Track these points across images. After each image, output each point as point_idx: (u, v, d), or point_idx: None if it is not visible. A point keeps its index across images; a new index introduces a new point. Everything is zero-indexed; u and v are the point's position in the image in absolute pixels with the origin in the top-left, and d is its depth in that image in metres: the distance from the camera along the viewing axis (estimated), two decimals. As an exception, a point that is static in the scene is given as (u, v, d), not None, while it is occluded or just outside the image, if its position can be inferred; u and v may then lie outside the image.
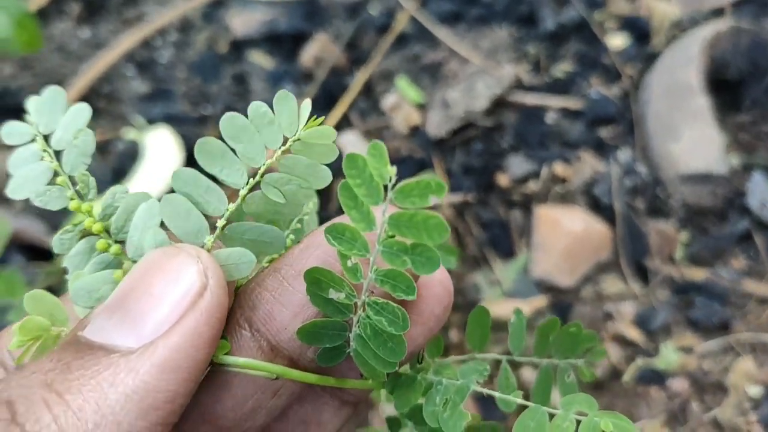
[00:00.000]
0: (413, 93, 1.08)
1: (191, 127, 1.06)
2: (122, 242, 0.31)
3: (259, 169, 0.30)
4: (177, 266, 0.29)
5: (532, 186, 1.02)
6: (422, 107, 1.08)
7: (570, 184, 1.02)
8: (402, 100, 1.08)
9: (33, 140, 0.32)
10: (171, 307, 0.28)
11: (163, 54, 1.16)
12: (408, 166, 1.02)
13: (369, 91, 1.12)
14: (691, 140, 0.97)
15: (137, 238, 0.30)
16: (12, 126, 0.32)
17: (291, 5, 1.19)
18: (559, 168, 1.04)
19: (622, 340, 0.94)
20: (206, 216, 0.30)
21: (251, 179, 0.30)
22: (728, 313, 0.96)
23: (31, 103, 0.33)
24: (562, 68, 1.14)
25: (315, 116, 0.30)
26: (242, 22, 1.17)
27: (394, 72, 1.13)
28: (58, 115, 0.32)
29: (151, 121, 1.07)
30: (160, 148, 1.02)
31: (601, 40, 1.17)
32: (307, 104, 0.30)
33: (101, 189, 0.95)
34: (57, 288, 0.92)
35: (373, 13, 1.20)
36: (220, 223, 0.30)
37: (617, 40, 1.17)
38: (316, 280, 0.30)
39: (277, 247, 0.32)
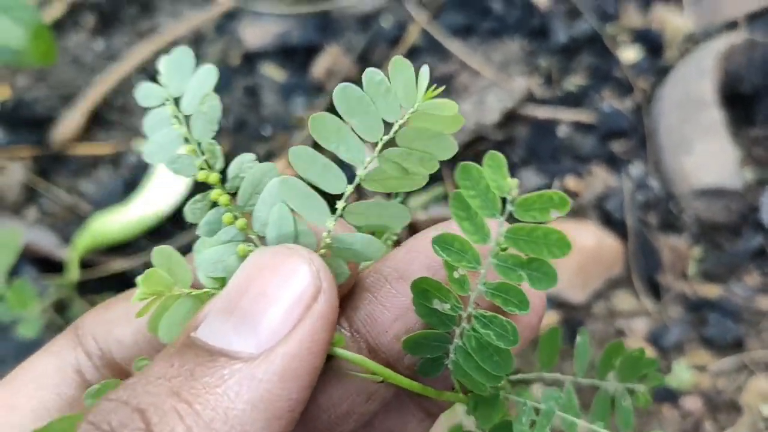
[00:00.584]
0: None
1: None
2: (249, 214, 0.30)
3: (377, 143, 0.29)
4: (290, 268, 0.28)
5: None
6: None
7: (582, 198, 1.02)
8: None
9: (164, 103, 0.31)
10: (287, 311, 0.27)
11: (175, 66, 1.16)
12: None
13: (380, 104, 1.12)
14: (704, 154, 0.96)
15: (264, 213, 0.30)
16: (147, 88, 0.32)
17: (303, 18, 1.20)
18: (570, 182, 1.03)
19: (633, 357, 0.93)
20: (327, 195, 0.29)
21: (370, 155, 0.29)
22: (742, 331, 0.95)
23: (162, 64, 0.32)
24: (574, 81, 1.14)
25: (435, 85, 0.28)
26: (254, 34, 1.18)
27: (406, 85, 1.13)
28: (187, 78, 0.31)
29: (164, 133, 1.07)
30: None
31: (614, 53, 1.16)
32: (425, 72, 0.28)
33: (112, 202, 0.96)
34: (67, 302, 0.93)
35: (385, 25, 1.20)
36: (340, 204, 0.29)
37: (630, 54, 1.17)
38: (424, 291, 0.29)
39: (401, 223, 0.30)
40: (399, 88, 0.28)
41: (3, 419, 0.32)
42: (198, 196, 0.31)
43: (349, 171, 0.29)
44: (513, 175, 1.04)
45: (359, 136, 0.29)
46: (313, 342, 0.27)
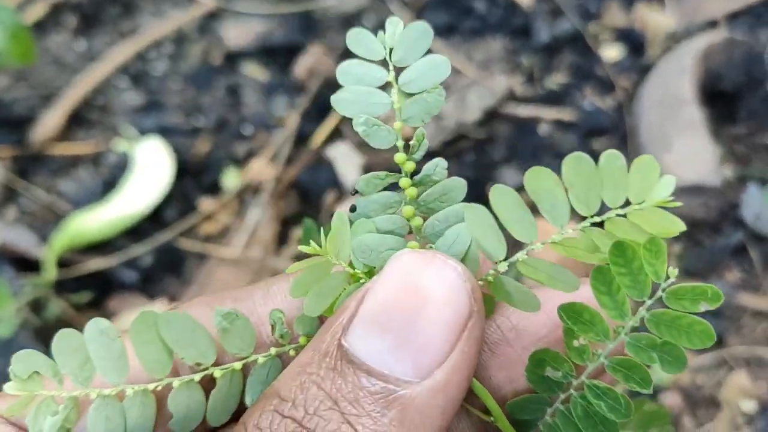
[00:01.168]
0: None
1: (183, 139, 1.07)
2: (424, 218, 0.30)
3: (586, 218, 0.28)
4: (450, 288, 0.27)
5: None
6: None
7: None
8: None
9: (379, 63, 0.30)
10: (447, 336, 0.26)
11: (157, 66, 1.16)
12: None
13: (362, 103, 1.12)
14: (684, 151, 0.97)
15: (440, 225, 0.30)
16: (363, 34, 0.30)
17: (285, 17, 1.20)
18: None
19: (613, 354, 0.93)
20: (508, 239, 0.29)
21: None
22: (722, 327, 0.95)
23: (391, 25, 0.31)
24: (555, 80, 1.14)
25: (671, 198, 0.27)
26: (236, 34, 1.18)
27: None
28: (416, 55, 0.30)
29: (144, 132, 1.07)
30: (151, 160, 1.02)
31: (596, 51, 1.16)
32: (669, 181, 0.28)
33: (91, 201, 0.95)
34: (43, 302, 0.92)
35: (367, 25, 1.20)
36: (520, 254, 0.29)
37: (611, 52, 1.17)
38: (540, 361, 0.29)
39: (570, 289, 0.29)
40: (635, 180, 0.27)
41: None
42: (381, 174, 0.30)
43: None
44: (494, 172, 1.04)
45: (570, 204, 0.28)
46: (468, 369, 0.27)
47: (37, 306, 0.91)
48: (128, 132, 1.07)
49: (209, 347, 0.28)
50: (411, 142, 0.30)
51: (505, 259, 0.28)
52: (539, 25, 1.18)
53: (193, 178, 1.04)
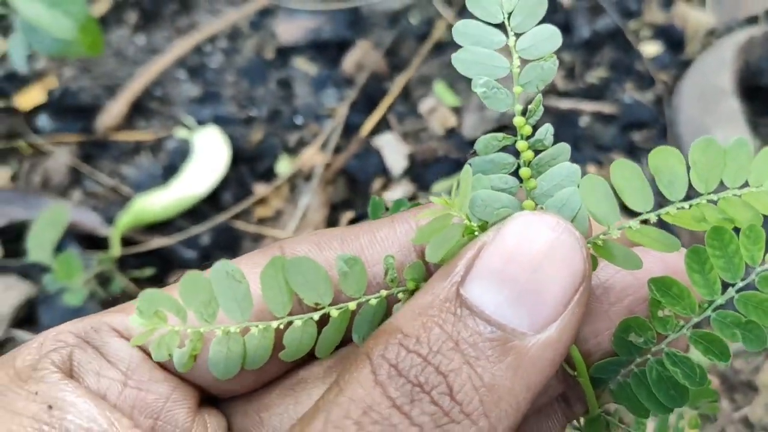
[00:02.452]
0: (450, 97, 1.13)
1: (238, 128, 1.12)
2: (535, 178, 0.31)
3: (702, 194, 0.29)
4: (569, 248, 0.28)
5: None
6: (458, 110, 1.12)
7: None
8: (439, 104, 1.12)
9: (498, 27, 0.31)
10: (563, 294, 0.28)
11: (213, 59, 1.22)
12: (444, 165, 1.06)
13: (407, 96, 1.16)
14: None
15: (549, 186, 0.31)
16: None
17: (335, 14, 1.25)
18: (591, 170, 1.06)
19: (652, 338, 0.96)
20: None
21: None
22: (760, 315, 0.96)
23: None
24: (596, 75, 1.17)
25: None
26: (288, 29, 1.23)
27: (432, 77, 1.17)
28: (533, 22, 0.31)
29: (201, 122, 1.13)
30: (208, 147, 1.07)
31: (636, 47, 1.19)
32: None
33: (153, 185, 1.01)
34: (108, 276, 0.98)
35: (413, 21, 1.25)
36: (633, 221, 0.29)
37: (651, 48, 1.19)
38: (627, 327, 0.31)
39: (672, 249, 0.30)
40: (759, 165, 0.29)
41: None
42: (499, 135, 0.31)
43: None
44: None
45: (689, 181, 0.30)
46: (576, 327, 0.28)
47: (103, 280, 0.97)
48: (186, 121, 1.13)
49: (328, 289, 0.30)
50: (529, 107, 0.31)
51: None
52: (580, 21, 1.21)
53: (248, 165, 1.09)
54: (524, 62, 0.31)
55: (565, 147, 0.31)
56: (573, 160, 1.01)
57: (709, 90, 1.03)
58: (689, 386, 0.30)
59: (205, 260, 0.99)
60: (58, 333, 0.32)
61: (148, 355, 0.32)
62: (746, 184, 0.29)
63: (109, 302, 0.95)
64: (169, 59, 1.21)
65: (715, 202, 0.29)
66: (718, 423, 0.90)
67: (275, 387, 0.34)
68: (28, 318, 0.97)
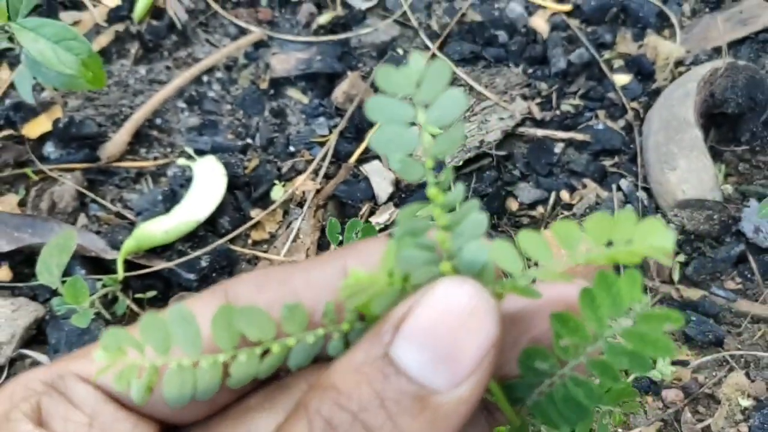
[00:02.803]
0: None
1: (234, 156, 1.19)
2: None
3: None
4: (484, 317, 0.31)
5: (540, 210, 1.12)
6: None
7: (575, 209, 1.11)
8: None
9: (409, 99, 0.32)
10: (476, 358, 0.31)
11: (211, 90, 1.29)
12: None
13: (393, 124, 1.23)
14: (687, 169, 1.06)
15: (462, 243, 0.33)
16: (394, 73, 0.32)
17: (325, 46, 1.32)
18: (565, 195, 1.13)
19: (621, 353, 1.02)
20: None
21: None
22: (722, 331, 1.03)
23: (416, 61, 0.32)
24: (570, 103, 1.24)
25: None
26: (281, 61, 1.30)
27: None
28: (438, 92, 0.32)
29: (199, 150, 1.20)
30: (207, 175, 1.14)
31: (609, 77, 1.26)
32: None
33: (154, 210, 1.07)
34: (114, 298, 1.04)
35: (400, 52, 1.32)
36: (534, 269, 0.33)
37: (623, 78, 1.26)
38: (531, 355, 0.35)
39: None
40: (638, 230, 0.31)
41: None
42: (417, 208, 0.34)
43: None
44: (512, 187, 1.13)
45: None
46: (487, 382, 0.32)
47: (108, 302, 1.03)
48: (186, 150, 1.20)
49: (269, 328, 0.34)
50: (440, 179, 0.33)
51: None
52: (556, 53, 1.28)
53: (243, 191, 1.16)
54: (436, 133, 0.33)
55: (474, 203, 0.34)
56: (547, 186, 1.10)
57: (674, 120, 1.10)
58: (589, 405, 0.34)
59: (203, 281, 1.06)
60: (27, 382, 0.35)
61: (111, 397, 0.35)
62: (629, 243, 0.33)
63: (113, 323, 1.01)
64: (169, 90, 1.27)
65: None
66: (681, 432, 0.96)
67: (227, 415, 0.37)
68: (38, 337, 1.03)
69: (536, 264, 0.33)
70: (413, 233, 0.34)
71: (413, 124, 0.32)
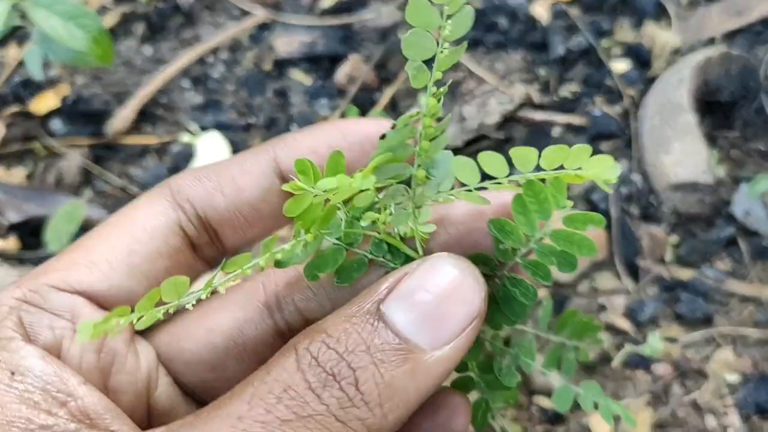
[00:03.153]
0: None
1: (238, 134, 1.21)
2: None
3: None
4: (471, 291, 0.35)
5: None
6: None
7: (570, 191, 1.14)
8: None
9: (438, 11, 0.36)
10: (460, 326, 0.34)
11: (215, 70, 1.32)
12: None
13: (394, 106, 1.25)
14: (680, 153, 1.09)
15: (433, 153, 0.37)
16: None
17: (329, 30, 1.34)
18: (561, 176, 1.16)
19: (612, 329, 1.05)
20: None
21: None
22: (712, 309, 1.06)
23: None
24: (569, 89, 1.27)
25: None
26: (285, 43, 1.33)
27: (418, 90, 1.27)
28: (458, 7, 0.36)
29: (204, 127, 1.22)
30: (210, 151, 1.17)
31: (606, 64, 1.29)
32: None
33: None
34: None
35: (401, 37, 1.35)
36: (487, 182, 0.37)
37: (621, 65, 1.29)
38: (475, 259, 0.37)
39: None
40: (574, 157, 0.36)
41: (121, 259, 0.39)
42: (414, 113, 0.38)
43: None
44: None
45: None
46: (466, 349, 0.35)
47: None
48: (190, 127, 1.22)
49: None
50: (440, 90, 0.38)
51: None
52: (556, 39, 1.31)
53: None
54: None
55: (448, 118, 0.39)
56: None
57: (669, 105, 1.12)
58: (525, 302, 0.37)
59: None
60: (1, 301, 0.36)
61: (89, 299, 0.38)
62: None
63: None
64: (174, 69, 1.30)
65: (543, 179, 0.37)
66: (669, 405, 0.99)
67: (187, 313, 0.40)
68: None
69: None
70: (398, 149, 0.38)
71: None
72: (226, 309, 0.40)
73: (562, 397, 0.48)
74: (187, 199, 0.40)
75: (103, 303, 0.38)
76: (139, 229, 0.39)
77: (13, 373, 0.34)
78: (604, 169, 0.36)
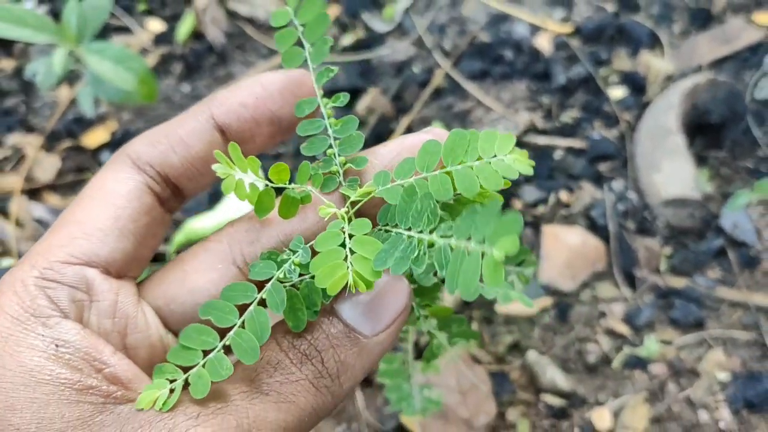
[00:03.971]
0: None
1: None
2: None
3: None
4: (400, 291, 0.44)
5: (541, 209, 1.26)
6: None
7: (572, 208, 1.25)
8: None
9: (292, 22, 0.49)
10: (392, 316, 0.43)
11: (247, 105, 1.44)
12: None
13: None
14: (670, 171, 1.19)
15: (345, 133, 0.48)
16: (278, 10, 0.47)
17: (349, 66, 1.47)
18: (563, 195, 1.27)
19: (612, 333, 1.15)
20: None
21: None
22: (703, 314, 1.16)
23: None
24: (570, 115, 1.38)
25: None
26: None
27: (431, 118, 1.39)
28: (311, 15, 0.49)
29: (238, 157, 1.35)
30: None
31: (605, 91, 1.40)
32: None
33: (199, 209, 1.24)
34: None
35: (415, 71, 1.47)
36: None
37: (618, 92, 1.40)
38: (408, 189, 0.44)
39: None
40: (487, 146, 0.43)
41: (102, 223, 0.43)
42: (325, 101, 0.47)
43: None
44: (516, 190, 1.27)
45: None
46: (397, 336, 0.44)
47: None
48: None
49: None
50: (337, 101, 0.50)
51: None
52: (557, 69, 1.43)
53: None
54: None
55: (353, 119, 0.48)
56: (548, 188, 1.26)
57: (659, 129, 1.23)
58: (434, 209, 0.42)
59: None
60: (23, 282, 0.40)
61: (94, 266, 0.42)
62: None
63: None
64: (210, 105, 1.43)
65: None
66: (665, 401, 1.09)
67: (167, 275, 0.46)
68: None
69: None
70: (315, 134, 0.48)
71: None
72: (202, 271, 0.45)
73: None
74: (147, 162, 0.45)
75: (106, 266, 0.43)
76: (116, 196, 0.44)
77: (57, 346, 0.39)
78: (522, 166, 0.43)
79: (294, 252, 0.43)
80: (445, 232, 0.39)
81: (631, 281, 1.19)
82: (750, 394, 1.07)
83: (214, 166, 0.41)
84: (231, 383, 0.41)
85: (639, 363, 1.11)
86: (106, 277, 0.43)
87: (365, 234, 0.41)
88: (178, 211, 0.47)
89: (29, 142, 1.39)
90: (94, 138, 1.39)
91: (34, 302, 0.39)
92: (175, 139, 0.46)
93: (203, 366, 0.40)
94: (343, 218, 0.44)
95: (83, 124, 1.40)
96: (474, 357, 1.10)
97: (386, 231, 0.43)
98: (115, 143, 1.37)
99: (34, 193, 1.33)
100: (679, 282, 1.18)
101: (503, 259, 0.33)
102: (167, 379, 0.40)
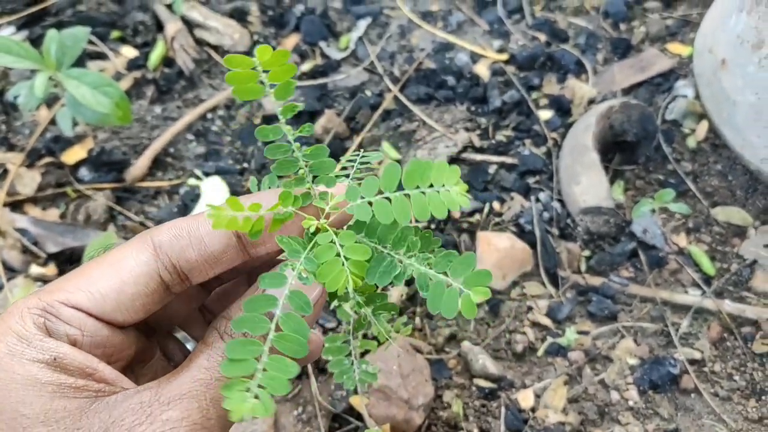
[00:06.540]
0: (393, 152, 1.49)
1: (235, 177, 1.48)
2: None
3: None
4: (318, 289, 0.50)
5: (477, 218, 1.41)
6: (399, 162, 1.48)
7: (504, 216, 1.41)
8: (385, 158, 1.49)
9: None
10: (316, 299, 0.50)
11: (214, 125, 1.58)
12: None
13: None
14: (587, 184, 1.36)
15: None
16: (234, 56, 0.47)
17: (307, 89, 1.62)
18: (496, 205, 1.43)
19: (537, 326, 1.31)
20: None
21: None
22: (617, 308, 1.32)
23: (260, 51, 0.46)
24: (504, 134, 1.54)
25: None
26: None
27: (381, 138, 1.54)
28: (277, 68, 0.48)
29: (206, 173, 1.48)
30: (212, 192, 1.43)
31: (535, 113, 1.57)
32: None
33: (170, 221, 1.35)
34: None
35: (367, 94, 1.62)
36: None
37: (547, 114, 1.57)
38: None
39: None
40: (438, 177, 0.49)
41: (109, 297, 0.47)
42: (285, 128, 0.53)
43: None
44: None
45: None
46: (319, 314, 0.52)
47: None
48: (195, 173, 1.49)
49: None
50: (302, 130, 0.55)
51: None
52: (494, 93, 1.59)
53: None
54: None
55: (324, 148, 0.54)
56: (483, 199, 1.44)
57: (579, 146, 1.40)
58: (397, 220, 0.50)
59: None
60: (26, 309, 0.46)
61: (90, 315, 0.47)
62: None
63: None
64: (180, 125, 1.56)
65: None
66: (582, 384, 1.24)
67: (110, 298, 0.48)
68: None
69: None
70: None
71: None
72: (133, 285, 0.49)
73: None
74: (166, 253, 0.49)
75: (103, 317, 0.48)
76: (128, 274, 0.48)
77: (56, 358, 0.45)
78: (461, 199, 0.49)
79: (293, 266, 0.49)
80: (422, 261, 0.49)
81: (555, 280, 1.35)
82: (655, 377, 1.23)
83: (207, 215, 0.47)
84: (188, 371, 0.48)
85: (560, 351, 1.27)
86: (102, 323, 0.49)
87: (355, 243, 0.50)
88: (179, 291, 0.52)
89: (10, 159, 1.50)
90: (73, 155, 1.51)
91: (36, 326, 0.46)
92: (196, 237, 0.49)
93: (264, 369, 0.43)
94: (325, 229, 0.51)
95: (62, 142, 1.52)
96: (415, 347, 1.25)
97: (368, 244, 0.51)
98: (92, 160, 1.50)
99: (16, 205, 1.44)
100: (596, 280, 1.35)
101: (477, 301, 0.45)
102: (241, 390, 0.42)
